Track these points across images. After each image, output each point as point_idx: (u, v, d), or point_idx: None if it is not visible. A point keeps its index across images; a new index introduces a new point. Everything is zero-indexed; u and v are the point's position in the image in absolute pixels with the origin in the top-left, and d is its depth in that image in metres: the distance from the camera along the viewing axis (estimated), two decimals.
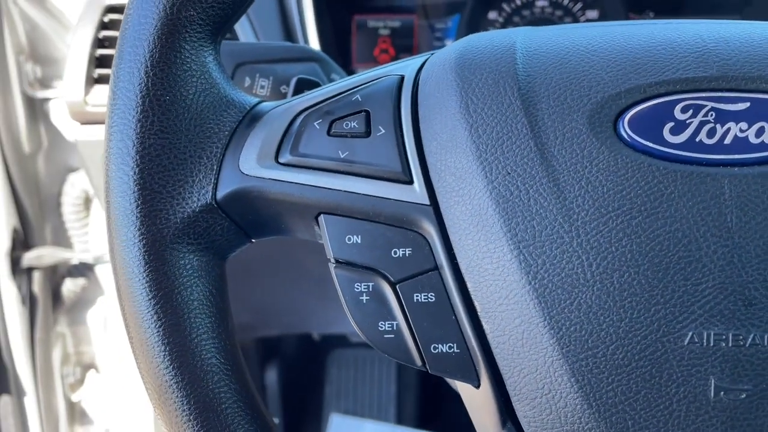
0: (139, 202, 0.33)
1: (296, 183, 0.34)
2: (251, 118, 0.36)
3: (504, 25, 0.89)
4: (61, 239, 1.31)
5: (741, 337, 0.29)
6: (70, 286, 1.34)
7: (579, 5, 0.87)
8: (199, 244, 0.35)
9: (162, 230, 0.34)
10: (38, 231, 1.28)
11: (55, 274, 1.33)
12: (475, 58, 0.33)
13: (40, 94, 1.22)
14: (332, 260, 0.34)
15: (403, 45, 0.90)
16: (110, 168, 0.34)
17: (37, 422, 1.25)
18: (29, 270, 1.26)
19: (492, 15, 0.89)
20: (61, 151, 1.28)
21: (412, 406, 1.23)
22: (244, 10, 0.36)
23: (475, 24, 0.88)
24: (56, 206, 1.30)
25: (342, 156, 0.34)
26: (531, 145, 0.31)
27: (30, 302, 1.26)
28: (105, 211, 0.35)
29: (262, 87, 0.52)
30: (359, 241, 0.33)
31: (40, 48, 1.22)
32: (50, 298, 1.32)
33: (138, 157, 0.33)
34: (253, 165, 0.34)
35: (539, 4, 0.88)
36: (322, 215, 0.34)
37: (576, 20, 0.87)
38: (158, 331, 0.33)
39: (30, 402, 1.24)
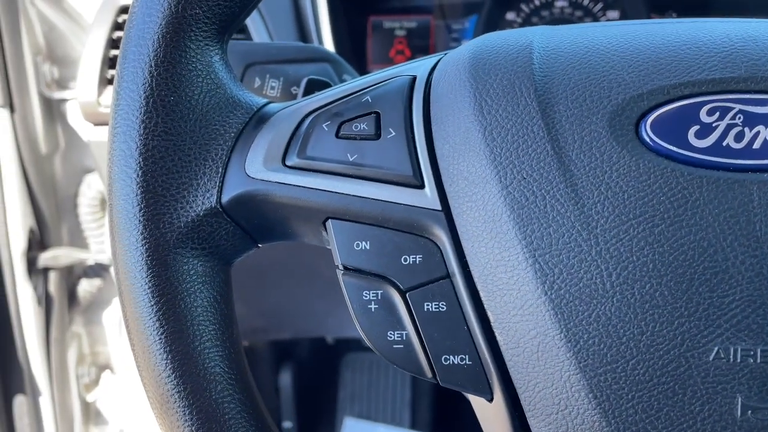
0: (142, 205, 0.32)
1: (303, 187, 0.33)
2: (258, 119, 0.35)
3: (522, 26, 0.87)
4: (77, 240, 1.31)
5: None
6: (85, 287, 1.34)
7: (599, 5, 0.85)
8: (203, 249, 0.34)
9: (165, 234, 0.33)
10: (54, 231, 1.29)
11: (71, 275, 1.34)
12: (490, 57, 0.32)
13: (57, 94, 1.22)
14: (340, 267, 0.33)
15: (420, 46, 0.88)
16: (113, 170, 0.33)
17: (51, 422, 1.26)
18: (45, 270, 1.26)
19: (510, 15, 0.87)
20: (78, 152, 1.28)
21: (426, 412, 1.22)
22: (251, 8, 0.35)
23: (492, 25, 0.87)
24: (72, 207, 1.30)
25: (351, 159, 0.33)
26: (548, 148, 0.30)
27: (46, 302, 1.27)
28: (108, 214, 0.34)
29: (273, 88, 0.52)
30: (368, 248, 0.32)
31: (57, 49, 1.23)
32: (66, 298, 1.32)
33: (141, 159, 0.32)
34: (259, 168, 0.33)
35: (558, 4, 0.86)
36: (329, 220, 0.33)
37: (596, 21, 0.86)
38: (161, 338, 0.32)
39: (45, 402, 1.25)
